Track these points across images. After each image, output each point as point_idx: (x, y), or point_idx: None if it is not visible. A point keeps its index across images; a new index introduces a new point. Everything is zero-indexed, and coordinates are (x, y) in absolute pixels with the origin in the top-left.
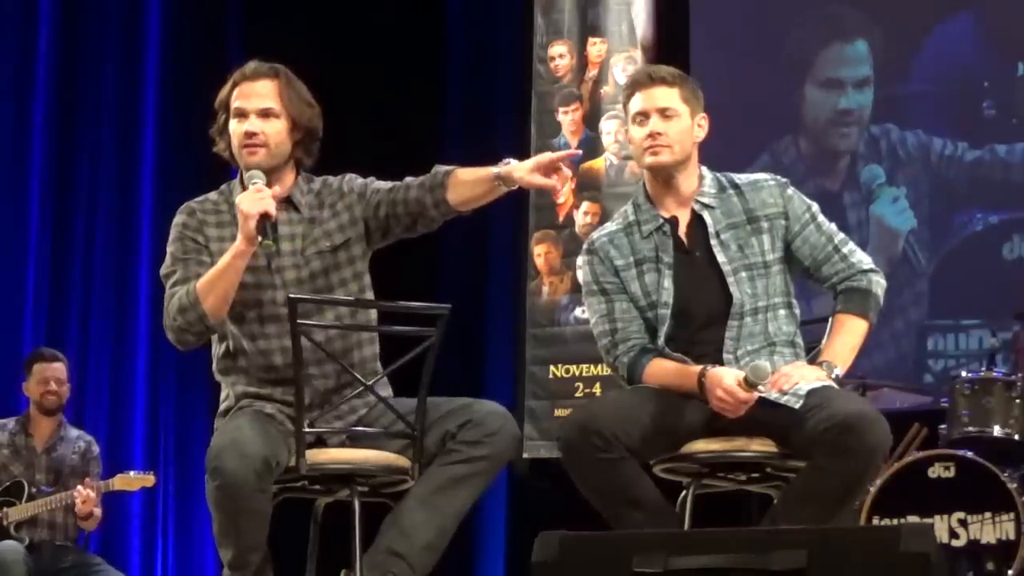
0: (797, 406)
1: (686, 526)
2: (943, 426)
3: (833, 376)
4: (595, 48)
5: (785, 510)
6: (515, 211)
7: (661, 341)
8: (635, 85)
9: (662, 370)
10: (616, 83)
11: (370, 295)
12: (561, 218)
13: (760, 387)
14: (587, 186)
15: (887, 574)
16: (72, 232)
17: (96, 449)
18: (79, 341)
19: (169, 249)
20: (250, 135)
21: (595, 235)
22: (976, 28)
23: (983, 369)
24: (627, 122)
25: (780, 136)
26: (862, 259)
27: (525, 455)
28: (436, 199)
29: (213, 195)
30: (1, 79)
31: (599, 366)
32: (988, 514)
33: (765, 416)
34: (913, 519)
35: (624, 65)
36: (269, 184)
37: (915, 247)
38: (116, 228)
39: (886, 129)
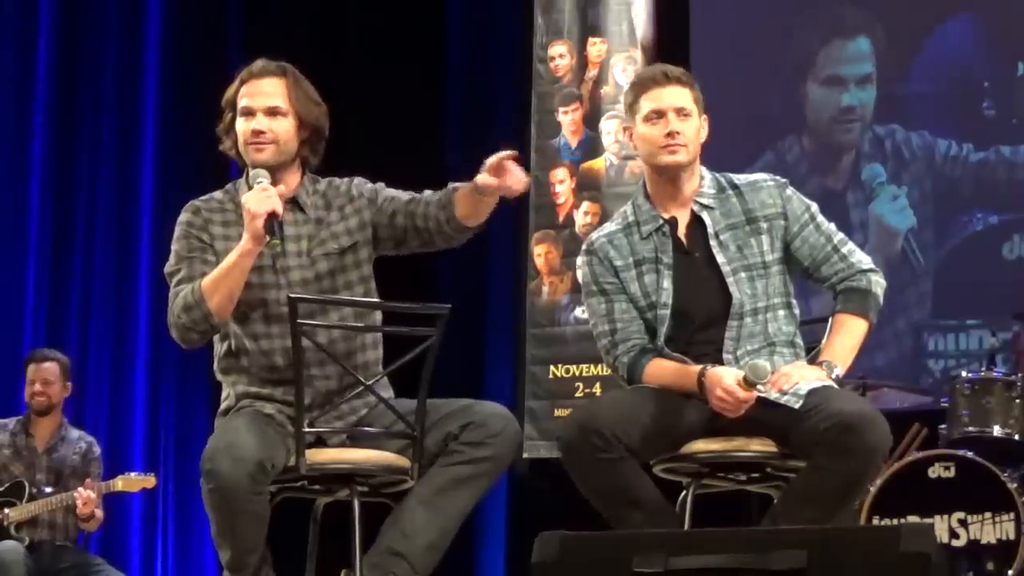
0: (797, 406)
1: (686, 526)
2: (943, 426)
3: (833, 376)
4: (595, 48)
5: (785, 510)
6: (515, 211)
7: (661, 341)
8: (649, 83)
9: (662, 370)
10: (616, 83)
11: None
12: (561, 218)
13: (760, 387)
14: (587, 186)
15: (887, 574)
16: (72, 232)
17: (97, 450)
18: (79, 341)
19: (174, 247)
20: (257, 133)
21: (594, 235)
22: (976, 28)
23: (983, 369)
24: (633, 119)
25: (783, 135)
26: (861, 259)
27: (525, 455)
28: (448, 215)
29: (218, 194)
30: (1, 79)
31: (599, 366)
32: (988, 514)
33: (765, 416)
34: (913, 519)
35: (624, 65)
36: (275, 183)
37: (914, 246)
38: (116, 228)
39: (891, 129)
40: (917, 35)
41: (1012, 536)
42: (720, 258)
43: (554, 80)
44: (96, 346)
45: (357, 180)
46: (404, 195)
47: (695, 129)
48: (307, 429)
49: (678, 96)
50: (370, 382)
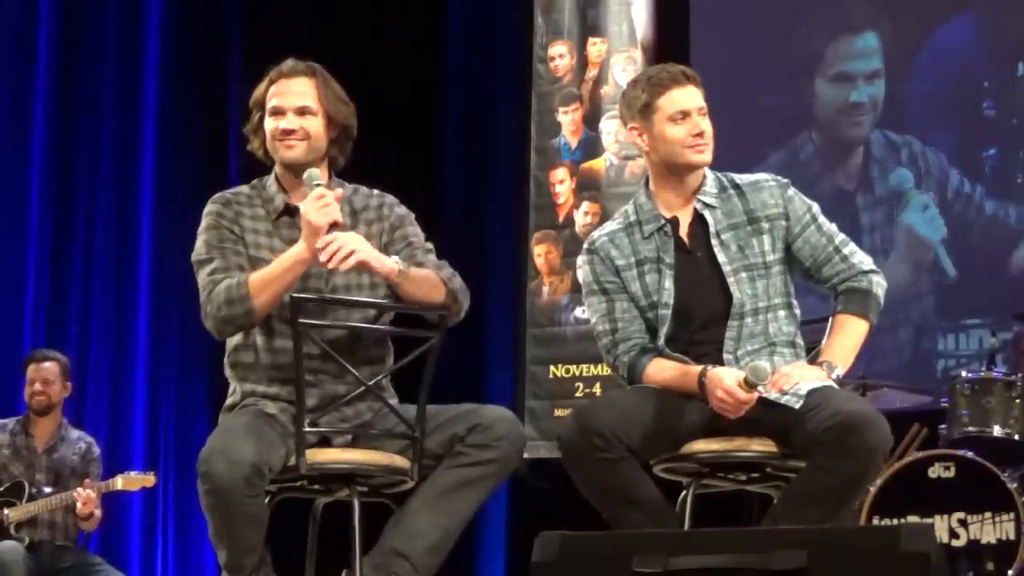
0: (797, 406)
1: (686, 526)
2: (943, 426)
3: (833, 376)
4: (595, 48)
5: (785, 510)
6: (515, 211)
7: (661, 341)
8: (669, 83)
9: (662, 370)
10: (616, 83)
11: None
12: (561, 218)
13: (760, 387)
14: (587, 186)
15: (887, 574)
16: (72, 232)
17: (97, 450)
18: (79, 341)
19: (203, 237)
20: (288, 132)
21: (596, 234)
22: (976, 28)
23: (983, 369)
24: (647, 119)
25: (791, 134)
26: (863, 260)
27: (525, 455)
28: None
29: (245, 188)
30: (1, 79)
31: (599, 366)
32: (988, 514)
33: (765, 416)
34: (913, 519)
35: (624, 65)
36: (303, 184)
37: (945, 256)
38: (116, 228)
39: (907, 140)
40: (918, 35)
41: (1012, 536)
42: (721, 257)
43: (554, 80)
44: (96, 346)
45: (390, 200)
46: (416, 247)
47: (711, 129)
48: (307, 429)
49: (698, 96)
50: (371, 383)
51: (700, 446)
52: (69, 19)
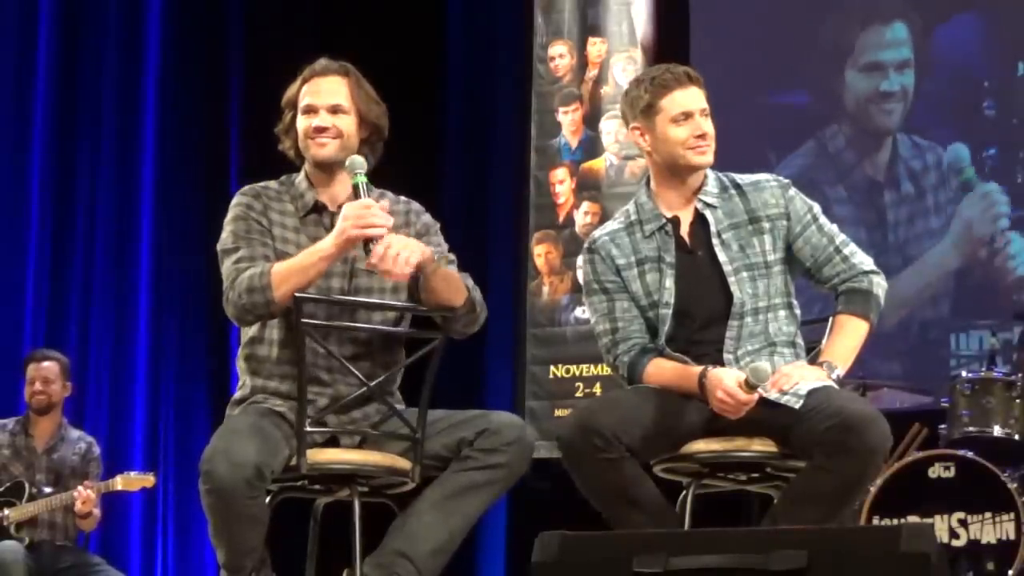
0: (797, 406)
1: (686, 526)
2: (943, 426)
3: (833, 376)
4: (595, 48)
5: (785, 510)
6: (515, 211)
7: (662, 341)
8: (673, 83)
9: (662, 370)
10: (616, 83)
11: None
12: (561, 218)
13: (760, 388)
14: (587, 186)
15: (887, 574)
16: (72, 232)
17: (96, 450)
18: (79, 341)
19: (229, 227)
20: (320, 129)
21: (597, 233)
22: (977, 28)
23: (983, 369)
24: (649, 120)
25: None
26: (863, 260)
27: None
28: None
29: (274, 183)
30: (1, 79)
31: (599, 366)
32: (988, 514)
33: (765, 416)
34: (913, 519)
35: (624, 65)
36: (333, 181)
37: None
38: (116, 228)
39: (932, 145)
40: (918, 35)
41: (1012, 536)
42: (722, 257)
43: (554, 80)
44: (96, 346)
45: (416, 207)
46: (440, 259)
47: (713, 130)
48: (310, 429)
49: (700, 97)
50: (373, 384)
51: (700, 446)
52: (69, 19)
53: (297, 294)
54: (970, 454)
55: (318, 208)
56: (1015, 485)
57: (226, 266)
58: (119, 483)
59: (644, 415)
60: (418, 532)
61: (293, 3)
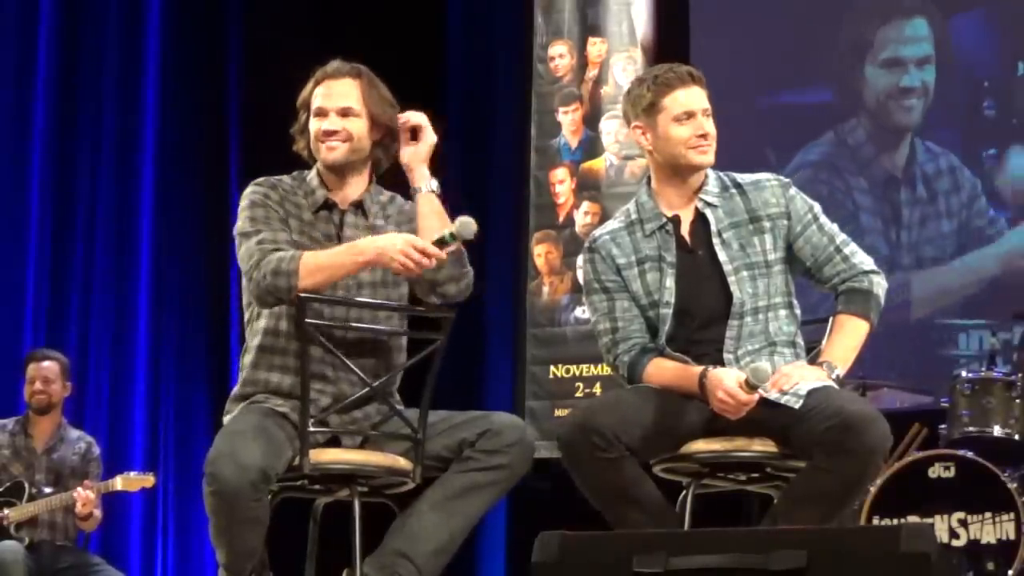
0: (797, 406)
1: (686, 526)
2: (943, 426)
3: (833, 376)
4: (595, 48)
5: (785, 510)
6: (515, 211)
7: (662, 340)
8: (675, 83)
9: (662, 370)
10: (616, 83)
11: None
12: (561, 218)
13: (760, 388)
14: (587, 186)
15: (887, 574)
16: (72, 232)
17: (96, 450)
18: (79, 341)
19: (247, 213)
20: (330, 132)
21: (597, 233)
22: (978, 28)
23: (983, 369)
24: (650, 119)
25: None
26: (863, 260)
27: None
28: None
29: (287, 178)
30: (1, 79)
31: (599, 366)
32: (988, 514)
33: (765, 416)
34: (913, 519)
35: (624, 65)
36: (344, 184)
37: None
38: (116, 228)
39: (946, 151)
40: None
41: (1012, 536)
42: (722, 256)
43: (554, 80)
44: (96, 346)
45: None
46: None
47: (715, 130)
48: (312, 429)
49: (703, 97)
50: (376, 384)
51: (700, 446)
52: (69, 19)
53: (300, 294)
54: (970, 454)
55: (328, 206)
56: (1015, 485)
57: (247, 247)
58: (119, 483)
59: (644, 415)
60: (419, 532)
61: (293, 3)
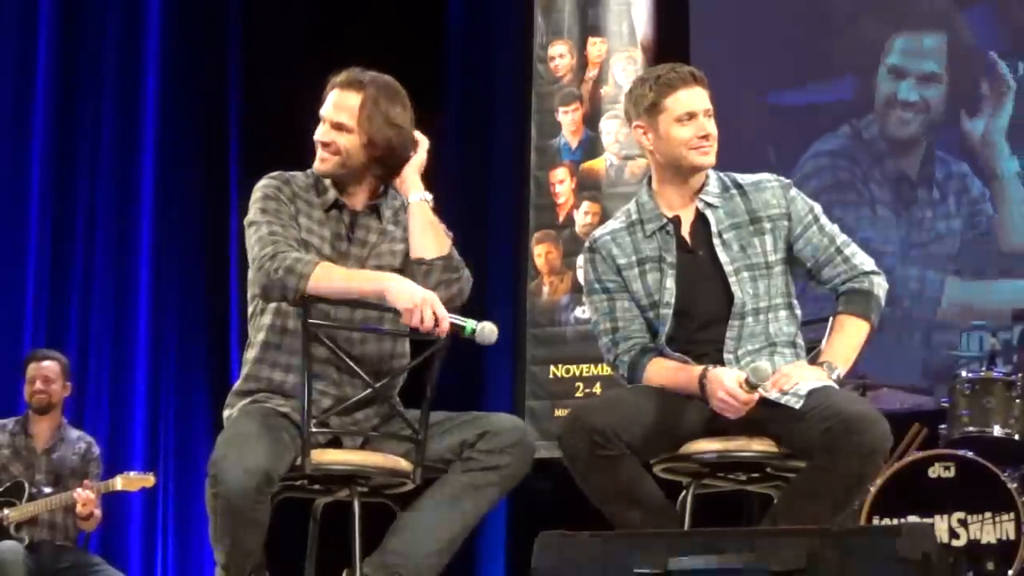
0: (797, 406)
1: (686, 526)
2: (943, 426)
3: (834, 376)
4: (595, 48)
5: (785, 510)
6: (515, 211)
7: (662, 340)
8: (678, 83)
9: (662, 370)
10: (616, 83)
11: None
12: (561, 218)
13: (761, 388)
14: (587, 186)
15: (887, 574)
16: (72, 232)
17: (96, 450)
18: (79, 341)
19: (259, 204)
20: (322, 144)
21: (597, 233)
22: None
23: (983, 369)
24: (652, 119)
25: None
26: (864, 261)
27: None
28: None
29: (300, 175)
30: (1, 79)
31: (599, 366)
32: (988, 514)
33: (765, 416)
34: (913, 519)
35: (624, 65)
36: (342, 194)
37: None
38: (116, 228)
39: (960, 164)
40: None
41: (1012, 536)
42: (723, 257)
43: (554, 80)
44: (96, 346)
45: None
46: None
47: (716, 131)
48: (314, 429)
49: (705, 98)
50: (378, 385)
51: (700, 446)
52: (69, 19)
53: (303, 294)
54: (970, 454)
55: (338, 205)
56: (1015, 485)
57: (260, 235)
58: (119, 483)
59: (644, 415)
60: (419, 533)
61: (292, 3)
